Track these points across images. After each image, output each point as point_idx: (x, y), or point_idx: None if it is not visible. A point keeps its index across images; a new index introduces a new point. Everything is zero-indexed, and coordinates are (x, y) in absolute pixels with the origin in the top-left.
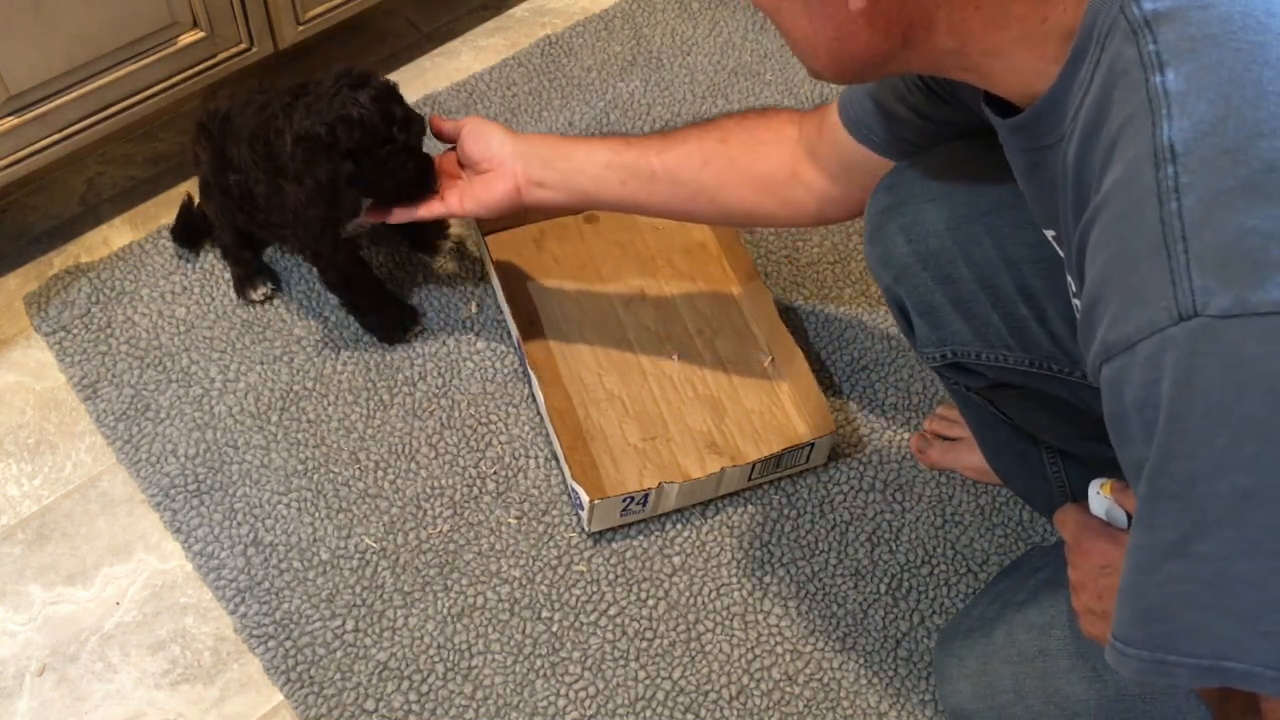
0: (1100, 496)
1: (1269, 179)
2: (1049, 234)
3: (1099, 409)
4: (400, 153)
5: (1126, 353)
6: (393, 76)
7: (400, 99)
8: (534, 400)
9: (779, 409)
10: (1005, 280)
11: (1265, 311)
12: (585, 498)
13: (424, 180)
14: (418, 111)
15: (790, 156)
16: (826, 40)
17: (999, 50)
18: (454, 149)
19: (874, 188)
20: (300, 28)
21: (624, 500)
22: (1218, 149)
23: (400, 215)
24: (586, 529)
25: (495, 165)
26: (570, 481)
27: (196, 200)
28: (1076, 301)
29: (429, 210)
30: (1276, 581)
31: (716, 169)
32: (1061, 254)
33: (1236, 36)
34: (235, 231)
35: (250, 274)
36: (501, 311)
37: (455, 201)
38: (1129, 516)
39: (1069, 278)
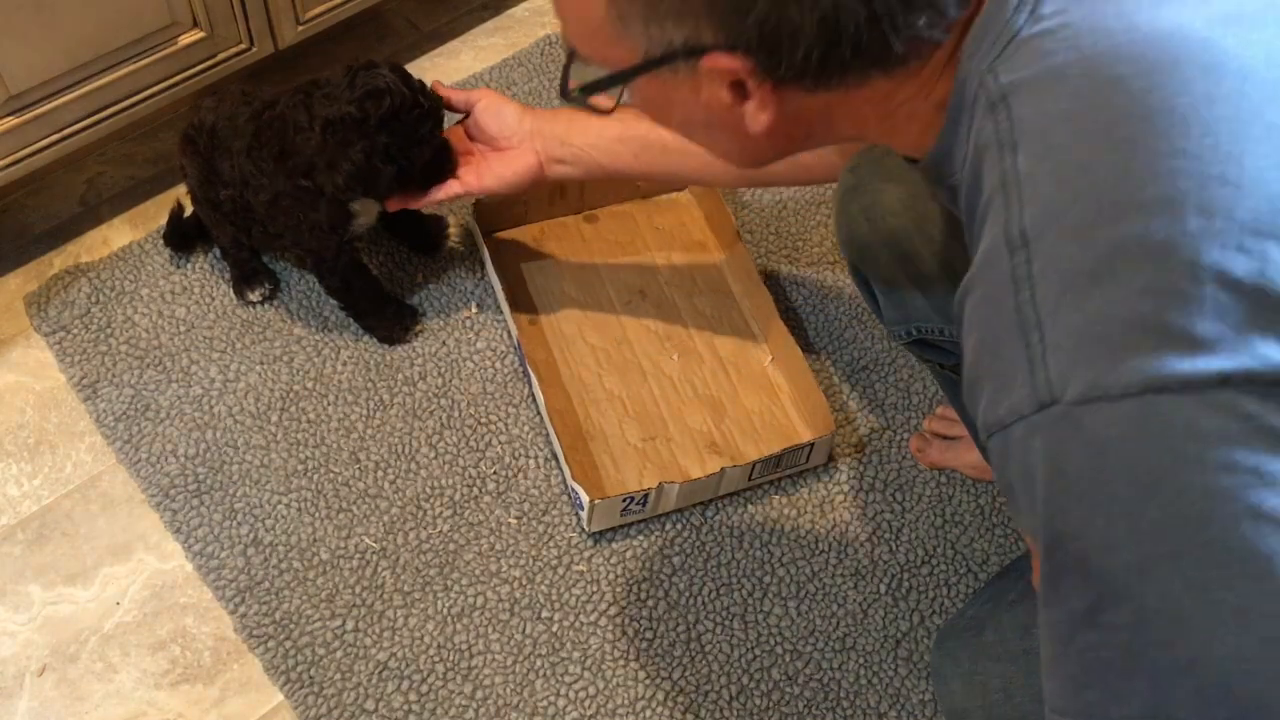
0: None
1: (1115, 262)
2: None
3: None
4: (428, 118)
5: (1002, 433)
6: None
7: (412, 77)
8: (534, 400)
9: (779, 409)
10: (962, 258)
11: (1119, 395)
12: (585, 498)
13: (448, 155)
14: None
15: None
16: (736, 152)
17: (894, 127)
18: (461, 123)
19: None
20: (300, 28)
21: (624, 500)
22: (1066, 235)
23: (421, 200)
24: (586, 529)
25: (515, 142)
26: (570, 481)
27: (187, 207)
28: None
29: (447, 191)
30: (1183, 645)
31: None
32: None
33: (1084, 115)
34: (232, 235)
35: (249, 274)
36: (501, 311)
37: (474, 179)
38: None
39: None
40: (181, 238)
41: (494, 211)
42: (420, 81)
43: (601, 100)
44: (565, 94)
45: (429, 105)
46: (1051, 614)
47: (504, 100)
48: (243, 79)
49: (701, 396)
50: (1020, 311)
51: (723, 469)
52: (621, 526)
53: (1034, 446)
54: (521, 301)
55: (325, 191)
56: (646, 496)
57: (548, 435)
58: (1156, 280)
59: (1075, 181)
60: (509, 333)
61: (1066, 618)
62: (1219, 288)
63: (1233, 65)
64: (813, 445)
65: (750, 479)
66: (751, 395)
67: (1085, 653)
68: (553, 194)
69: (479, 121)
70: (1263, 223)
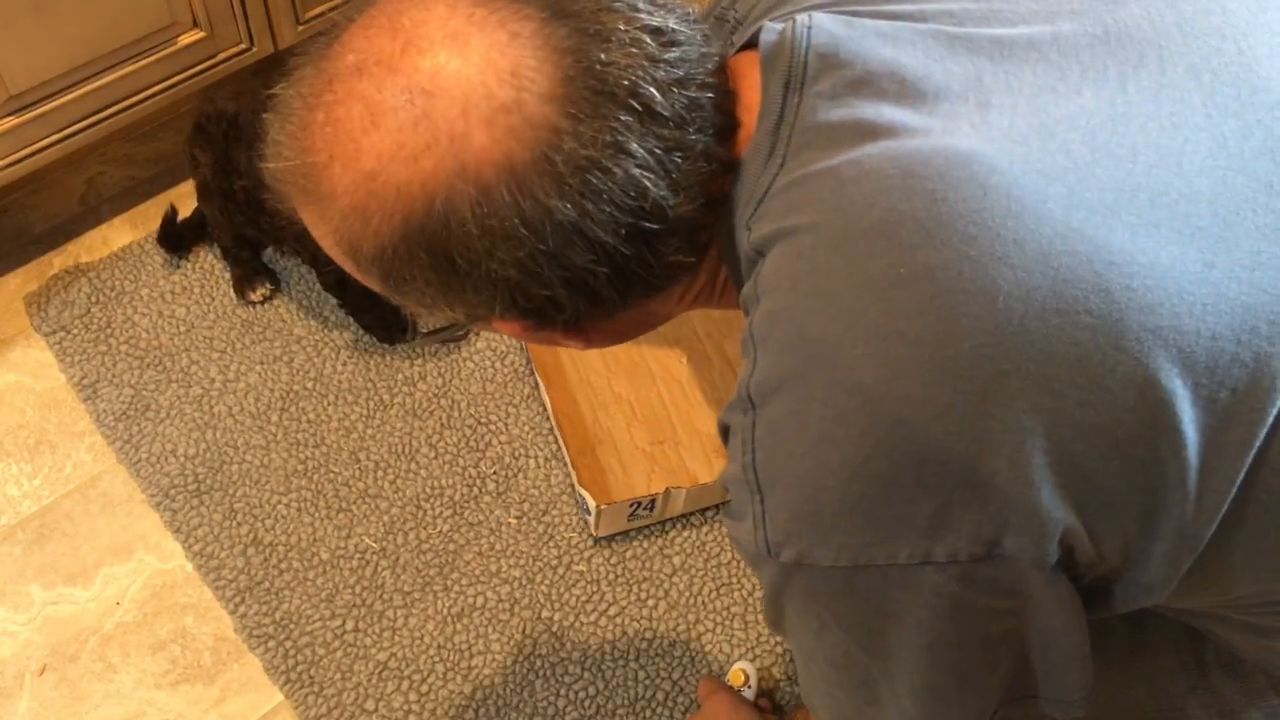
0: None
1: (824, 443)
2: None
3: None
4: None
5: (738, 544)
6: None
7: None
8: (535, 401)
9: None
10: None
11: (827, 565)
12: (593, 502)
13: None
14: None
15: None
16: (580, 351)
17: (709, 300)
18: None
19: None
20: (300, 28)
21: (631, 505)
22: (782, 411)
23: None
24: (594, 534)
25: None
26: (578, 486)
27: (180, 211)
28: None
29: None
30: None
31: None
32: None
33: (808, 279)
34: (235, 234)
35: (249, 274)
36: None
37: None
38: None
39: None
40: (175, 239)
41: None
42: None
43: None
44: (415, 338)
45: None
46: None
47: None
48: (242, 79)
49: (710, 400)
50: (746, 472)
51: None
52: None
53: (762, 571)
54: None
55: None
56: (654, 501)
57: (555, 438)
58: (862, 465)
59: (795, 351)
60: None
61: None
62: (919, 473)
63: (958, 225)
64: None
65: None
66: None
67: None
68: None
69: None
70: (968, 405)
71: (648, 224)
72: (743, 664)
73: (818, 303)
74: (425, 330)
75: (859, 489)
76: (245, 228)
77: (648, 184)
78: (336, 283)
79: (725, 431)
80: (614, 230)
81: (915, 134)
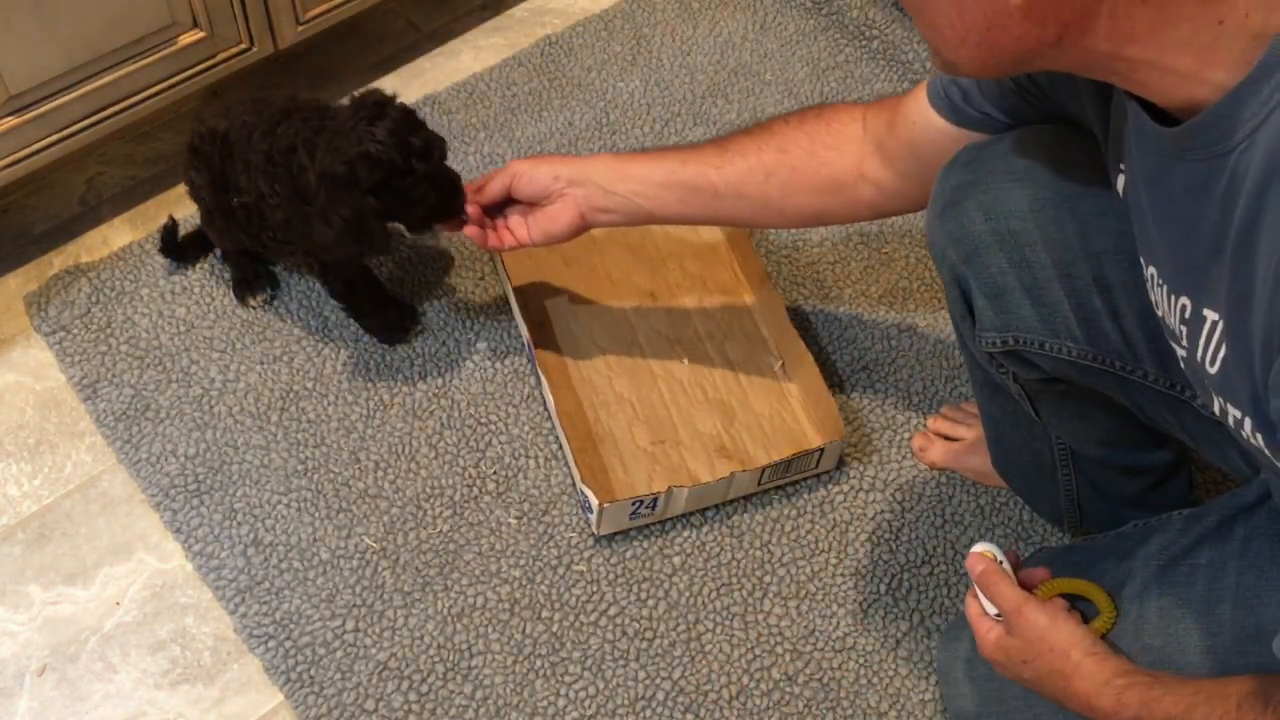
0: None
1: None
2: (1137, 231)
3: (1149, 411)
4: (422, 181)
5: None
6: (393, 77)
7: (418, 125)
8: (536, 400)
9: (789, 413)
10: (1083, 270)
11: None
12: (594, 501)
13: (453, 200)
14: (437, 134)
15: (856, 157)
16: (976, 32)
17: (1158, 57)
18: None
19: (947, 164)
20: (300, 28)
21: (633, 504)
22: None
23: (492, 238)
24: (595, 532)
25: (555, 196)
26: (580, 484)
27: (178, 222)
28: (1183, 301)
29: (499, 240)
30: None
31: (780, 179)
32: (1143, 260)
33: None
34: (241, 249)
35: (250, 279)
36: (506, 312)
37: (524, 233)
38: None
39: (1164, 292)
40: (177, 249)
41: None
42: (425, 136)
43: None
44: None
45: (423, 169)
46: None
47: (536, 163)
48: (242, 79)
49: (711, 400)
50: None
51: (732, 473)
52: None
53: None
54: (532, 303)
55: (318, 240)
56: (656, 500)
57: (557, 437)
58: None
59: None
60: (519, 334)
61: None
62: None
63: None
64: (823, 450)
65: (760, 484)
66: (761, 399)
67: None
68: None
69: (518, 192)
70: None
71: None
72: (983, 546)
73: None
74: None
75: None
76: (250, 244)
77: None
78: (344, 289)
79: None
80: None
81: None
